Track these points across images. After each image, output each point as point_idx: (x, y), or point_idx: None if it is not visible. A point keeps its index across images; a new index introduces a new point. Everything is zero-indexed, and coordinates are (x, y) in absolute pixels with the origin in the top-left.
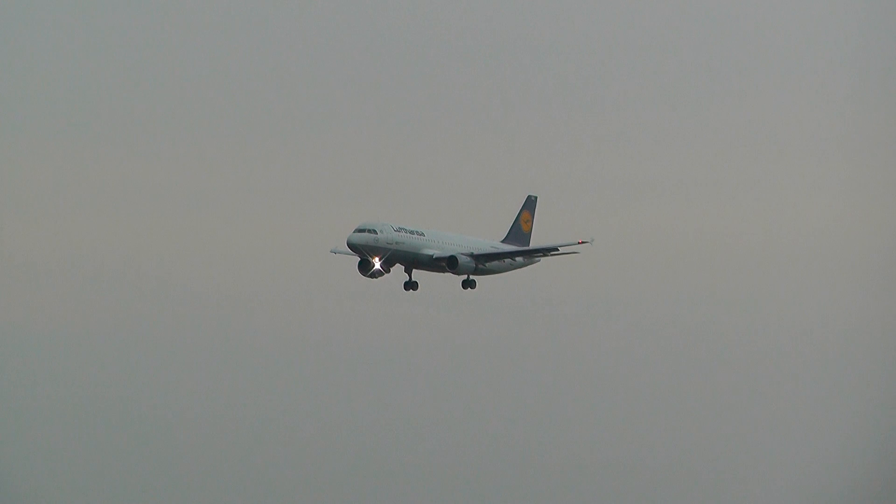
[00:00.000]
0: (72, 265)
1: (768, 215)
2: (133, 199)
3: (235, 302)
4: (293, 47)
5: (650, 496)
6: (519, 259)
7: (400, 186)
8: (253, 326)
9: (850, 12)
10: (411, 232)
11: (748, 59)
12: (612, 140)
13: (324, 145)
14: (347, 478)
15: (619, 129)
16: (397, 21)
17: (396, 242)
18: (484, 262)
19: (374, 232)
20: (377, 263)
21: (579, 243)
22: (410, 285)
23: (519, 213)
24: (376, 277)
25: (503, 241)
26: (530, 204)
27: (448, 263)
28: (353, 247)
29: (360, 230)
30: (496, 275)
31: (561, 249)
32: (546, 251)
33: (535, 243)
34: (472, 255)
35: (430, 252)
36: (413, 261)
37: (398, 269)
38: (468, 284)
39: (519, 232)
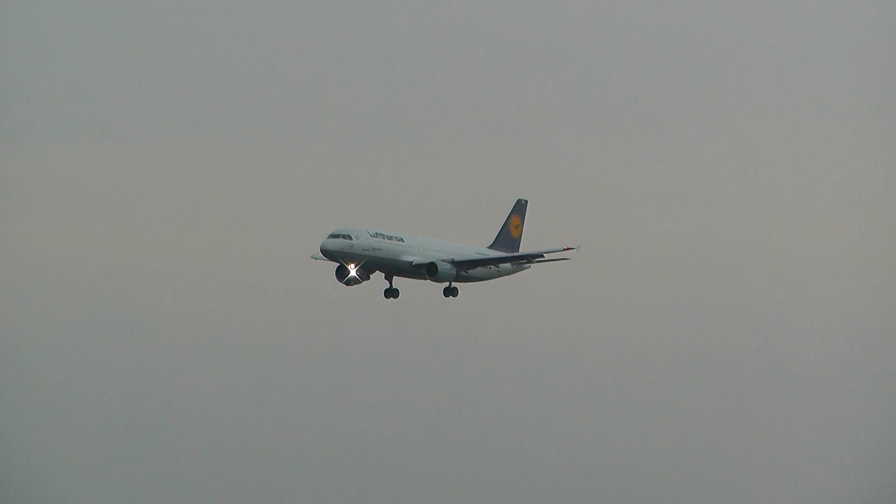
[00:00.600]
0: (41, 275)
1: (764, 221)
2: (110, 205)
3: (211, 308)
4: (279, 51)
5: None
6: (507, 265)
7: (386, 190)
8: (223, 333)
9: (856, 18)
10: (389, 237)
11: (744, 61)
12: (607, 141)
13: (308, 148)
14: (326, 489)
15: (616, 129)
16: (384, 22)
17: (373, 248)
18: (466, 269)
19: (349, 237)
20: (353, 270)
21: (565, 250)
22: (391, 293)
23: (508, 218)
24: (352, 285)
25: (490, 247)
26: (520, 208)
27: (427, 270)
28: (328, 253)
29: (334, 235)
30: (483, 282)
31: (546, 256)
32: (531, 258)
33: (524, 249)
34: (453, 262)
35: (409, 258)
36: (392, 268)
37: (378, 276)
38: (450, 292)
39: (508, 237)
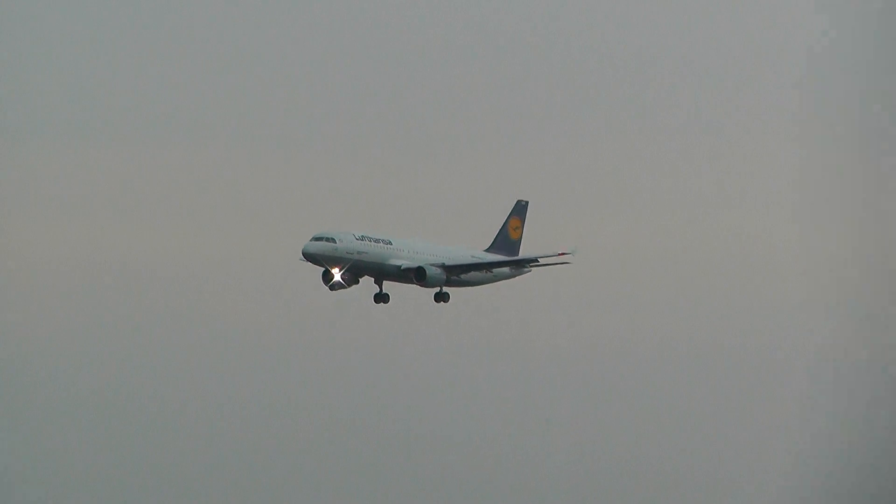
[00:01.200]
0: (34, 276)
1: (769, 225)
2: (102, 204)
3: (198, 311)
4: (274, 50)
5: None
6: (505, 270)
7: (381, 191)
8: (210, 338)
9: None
10: (376, 240)
11: (746, 64)
12: (612, 140)
13: (302, 149)
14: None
15: (620, 128)
16: (381, 20)
17: (358, 252)
18: (458, 274)
19: (333, 241)
20: (337, 275)
21: (560, 255)
22: (381, 298)
23: (507, 220)
24: (336, 290)
25: (488, 250)
26: (520, 209)
27: (416, 275)
28: (309, 256)
29: (317, 238)
30: (478, 286)
31: (542, 261)
32: (524, 262)
33: (524, 252)
34: (443, 266)
35: (397, 262)
36: (379, 272)
37: (367, 280)
38: (441, 297)
39: (507, 240)
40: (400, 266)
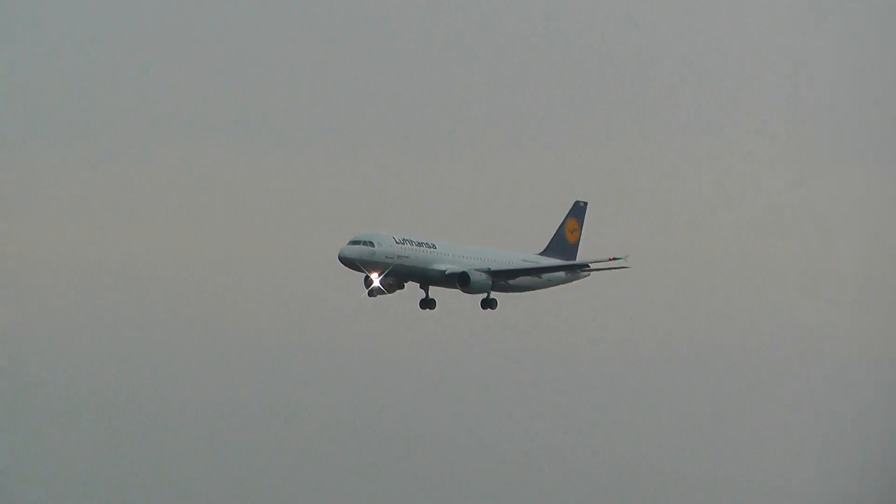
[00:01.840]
0: (66, 271)
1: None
2: (132, 206)
3: (233, 312)
4: (303, 48)
5: None
6: (559, 274)
7: (435, 193)
8: (241, 342)
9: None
10: (419, 244)
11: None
12: (677, 140)
13: (348, 149)
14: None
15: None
16: (423, 19)
17: (399, 256)
18: (505, 279)
19: (371, 244)
20: (376, 280)
21: (610, 260)
22: (427, 303)
23: (563, 222)
24: (375, 296)
25: (542, 253)
26: (578, 211)
27: (459, 280)
28: (346, 261)
29: (354, 242)
30: (529, 292)
31: (596, 266)
32: (577, 268)
33: (582, 256)
34: (488, 271)
35: (441, 267)
36: (422, 277)
37: (414, 286)
38: (488, 304)
39: (563, 243)
40: (444, 271)
